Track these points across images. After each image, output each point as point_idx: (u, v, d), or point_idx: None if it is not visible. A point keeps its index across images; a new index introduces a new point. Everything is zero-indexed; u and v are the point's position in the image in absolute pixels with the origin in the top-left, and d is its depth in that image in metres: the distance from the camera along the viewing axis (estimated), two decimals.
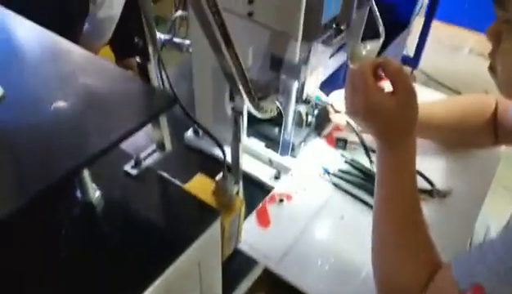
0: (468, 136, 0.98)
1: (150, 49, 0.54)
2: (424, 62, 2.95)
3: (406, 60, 2.86)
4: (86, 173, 0.54)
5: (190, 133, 1.02)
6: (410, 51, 2.89)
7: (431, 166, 0.96)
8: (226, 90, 0.91)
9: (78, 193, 0.56)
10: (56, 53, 0.58)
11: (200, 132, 1.01)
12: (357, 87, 0.63)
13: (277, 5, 0.72)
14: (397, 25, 2.23)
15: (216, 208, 0.59)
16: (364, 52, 0.79)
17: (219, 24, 0.56)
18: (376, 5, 2.23)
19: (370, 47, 0.80)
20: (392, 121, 0.62)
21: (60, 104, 0.47)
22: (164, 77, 0.60)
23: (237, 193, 0.90)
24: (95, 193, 0.57)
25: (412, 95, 0.62)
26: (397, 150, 0.64)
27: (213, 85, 0.93)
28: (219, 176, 0.63)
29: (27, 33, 0.63)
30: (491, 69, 0.64)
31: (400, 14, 2.21)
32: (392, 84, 0.62)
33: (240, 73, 0.65)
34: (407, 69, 2.95)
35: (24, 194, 0.42)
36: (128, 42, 0.55)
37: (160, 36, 1.07)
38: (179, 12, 0.87)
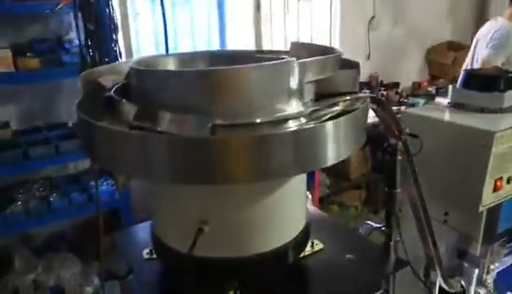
0: None
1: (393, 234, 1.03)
2: None
3: None
4: None
5: None
6: None
7: None
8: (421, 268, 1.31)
9: None
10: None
11: None
12: None
13: (464, 217, 1.16)
14: None
15: None
16: None
17: (430, 230, 1.03)
18: None
19: None
20: None
21: (351, 256, 0.97)
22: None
23: None
24: None
25: None
26: None
27: None
28: None
29: None
30: None
31: None
32: None
33: (437, 258, 1.08)
34: None
35: None
36: None
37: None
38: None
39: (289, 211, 0.87)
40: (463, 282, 1.21)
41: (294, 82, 0.74)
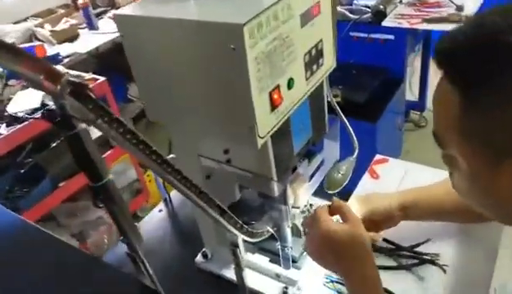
0: (470, 214, 0.99)
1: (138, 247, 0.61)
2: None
3: (412, 106, 2.89)
4: None
5: (199, 257, 1.08)
6: (416, 95, 2.92)
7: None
8: None
9: None
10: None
11: (208, 255, 1.08)
12: (314, 226, 0.78)
13: (249, 153, 0.79)
14: (392, 83, 2.30)
15: None
16: (340, 175, 0.84)
17: (198, 192, 0.63)
18: (370, 69, 2.32)
19: (346, 168, 0.85)
20: (343, 250, 0.75)
21: None
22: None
23: None
24: None
25: (357, 224, 0.76)
26: (353, 278, 0.76)
27: None
28: None
29: None
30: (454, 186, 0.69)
31: (393, 73, 2.28)
32: (342, 218, 0.78)
33: (226, 217, 0.72)
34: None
35: None
36: None
37: None
38: (171, 155, 0.97)
39: None
40: (269, 227, 0.90)
41: None
